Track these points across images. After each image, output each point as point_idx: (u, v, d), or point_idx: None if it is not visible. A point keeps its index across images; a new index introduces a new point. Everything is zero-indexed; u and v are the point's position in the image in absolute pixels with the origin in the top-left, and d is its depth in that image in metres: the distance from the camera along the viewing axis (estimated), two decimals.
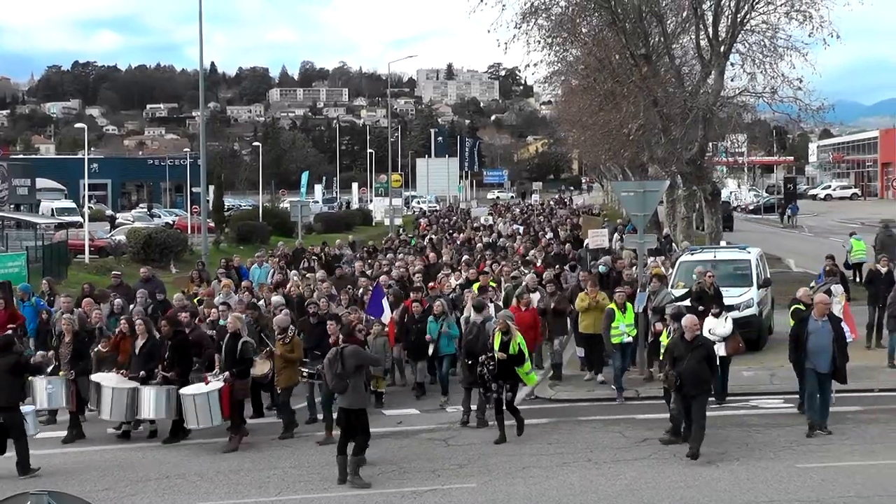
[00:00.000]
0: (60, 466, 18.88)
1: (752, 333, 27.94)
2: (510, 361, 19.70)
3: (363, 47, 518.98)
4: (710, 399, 19.49)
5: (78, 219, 71.54)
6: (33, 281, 37.88)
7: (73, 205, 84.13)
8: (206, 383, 19.97)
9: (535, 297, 25.34)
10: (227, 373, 20.04)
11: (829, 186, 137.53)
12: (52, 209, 78.75)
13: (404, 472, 17.52)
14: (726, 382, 22.19)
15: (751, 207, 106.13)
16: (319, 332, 21.92)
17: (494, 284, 28.80)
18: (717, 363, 19.55)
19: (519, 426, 19.86)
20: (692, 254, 31.87)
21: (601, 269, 30.93)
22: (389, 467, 17.76)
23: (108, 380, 20.83)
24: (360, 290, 27.89)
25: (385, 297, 25.32)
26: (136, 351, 21.22)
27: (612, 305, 23.61)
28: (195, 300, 27.11)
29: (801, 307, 21.20)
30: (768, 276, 31.10)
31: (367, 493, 16.49)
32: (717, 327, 21.93)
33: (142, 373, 20.66)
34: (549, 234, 51.90)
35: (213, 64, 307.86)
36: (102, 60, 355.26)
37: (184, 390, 19.96)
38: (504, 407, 19.79)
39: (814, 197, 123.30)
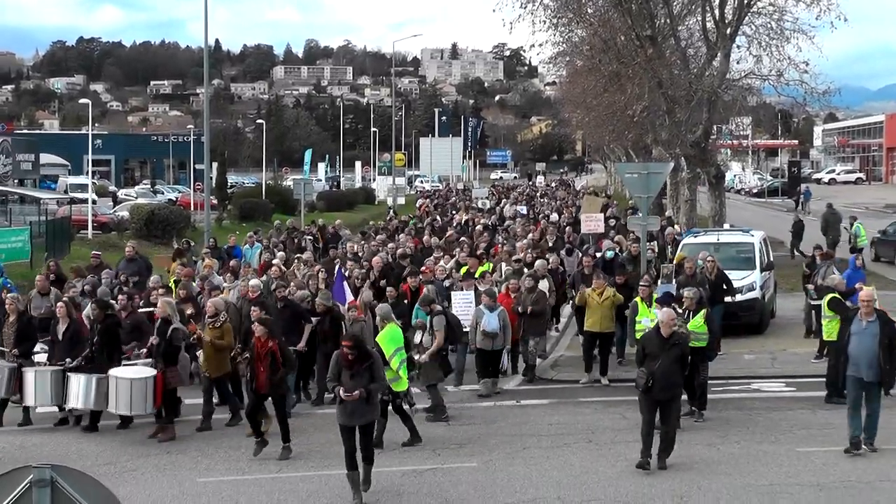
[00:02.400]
0: (62, 441, 18.90)
1: (755, 317, 27.99)
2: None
3: (366, 26, 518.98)
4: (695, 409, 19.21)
5: (92, 195, 71.64)
6: (36, 256, 37.95)
7: (88, 181, 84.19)
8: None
9: (544, 284, 24.57)
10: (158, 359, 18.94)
11: (834, 171, 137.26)
12: (67, 185, 78.89)
13: (405, 450, 17.53)
14: (705, 387, 19.72)
15: (755, 191, 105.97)
16: (287, 318, 21.14)
17: (488, 268, 27.33)
18: (689, 363, 17.42)
19: (411, 435, 18.12)
20: (695, 236, 31.88)
21: (608, 254, 28.74)
22: (390, 446, 17.75)
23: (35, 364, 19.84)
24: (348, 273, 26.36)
25: (344, 281, 24.36)
26: (59, 336, 19.98)
27: (637, 299, 21.69)
28: (172, 281, 25.94)
29: (838, 297, 20.29)
30: (771, 259, 31.08)
31: None
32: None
33: (68, 360, 19.34)
34: (553, 217, 51.39)
35: (217, 41, 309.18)
36: (107, 37, 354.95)
37: (114, 372, 18.78)
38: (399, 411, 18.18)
39: (818, 181, 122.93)
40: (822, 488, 15.10)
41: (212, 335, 19.55)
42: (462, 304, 22.91)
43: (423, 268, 27.07)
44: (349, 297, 23.53)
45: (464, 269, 26.69)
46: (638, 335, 20.42)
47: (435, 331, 20.34)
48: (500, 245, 34.47)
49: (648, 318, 20.81)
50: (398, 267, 27.73)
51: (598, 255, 30.20)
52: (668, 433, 16.25)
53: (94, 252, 31.75)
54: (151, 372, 18.76)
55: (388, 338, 17.99)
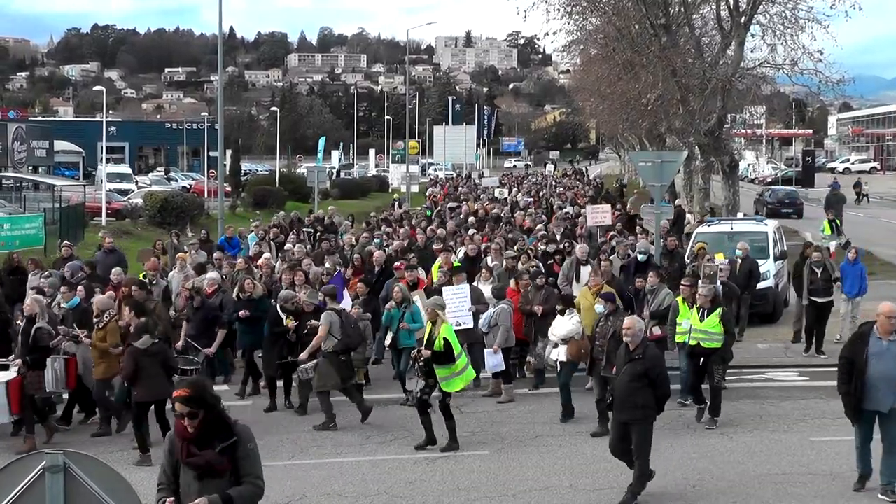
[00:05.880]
0: (74, 428, 18.92)
1: (768, 306, 27.98)
2: (434, 358, 17.00)
3: (380, 14, 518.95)
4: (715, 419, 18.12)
5: (131, 186, 71.56)
6: (50, 242, 38.00)
7: (129, 170, 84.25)
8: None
9: (587, 270, 23.23)
10: (19, 361, 17.72)
11: (848, 160, 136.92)
12: (104, 173, 79.16)
13: (417, 438, 17.49)
14: (719, 393, 18.45)
15: (769, 180, 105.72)
16: (200, 320, 20.47)
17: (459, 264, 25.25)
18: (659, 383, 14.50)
19: (450, 436, 17.17)
20: (709, 225, 31.88)
21: (639, 256, 25.56)
22: (402, 433, 17.79)
23: None
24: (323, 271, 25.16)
25: (345, 288, 23.06)
26: None
27: (679, 299, 19.70)
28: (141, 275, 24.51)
29: None
30: (785, 248, 31.04)
31: (380, 458, 16.54)
32: (557, 327, 19.42)
33: None
34: (567, 209, 49.98)
35: (231, 28, 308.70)
36: (121, 23, 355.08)
37: None
38: (428, 409, 17.15)
39: (832, 170, 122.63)
40: (835, 477, 15.09)
41: (96, 336, 18.45)
42: (455, 299, 21.42)
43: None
44: (346, 301, 22.01)
45: (436, 266, 25.26)
46: (679, 339, 19.44)
47: (321, 325, 19.09)
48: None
49: (689, 320, 19.08)
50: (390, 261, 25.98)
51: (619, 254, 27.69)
52: (637, 463, 14.26)
53: (65, 242, 30.50)
54: (2, 377, 17.37)
55: (452, 332, 17.31)
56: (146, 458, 16.36)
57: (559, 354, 19.16)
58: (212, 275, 23.01)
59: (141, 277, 23.81)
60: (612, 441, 14.59)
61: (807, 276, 24.46)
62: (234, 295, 22.10)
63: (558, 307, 19.72)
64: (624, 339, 14.49)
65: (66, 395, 19.17)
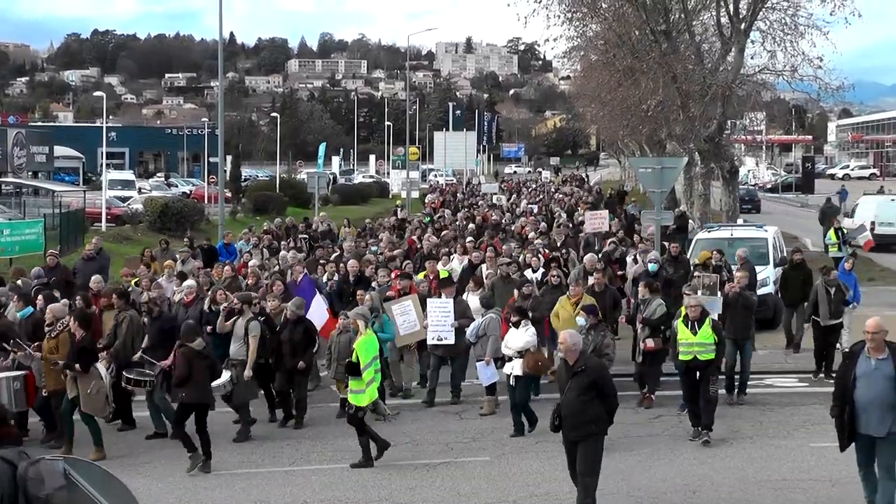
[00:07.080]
0: (75, 433, 18.90)
1: (768, 312, 27.93)
2: (347, 369, 16.86)
3: (381, 19, 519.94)
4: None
5: (133, 193, 71.67)
6: (50, 248, 38.01)
7: (132, 177, 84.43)
8: None
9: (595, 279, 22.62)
10: None
11: (848, 166, 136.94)
12: (107, 180, 79.38)
13: (417, 444, 17.54)
14: (713, 405, 17.67)
15: (768, 186, 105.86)
16: (156, 331, 19.38)
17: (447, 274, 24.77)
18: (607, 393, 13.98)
19: (363, 451, 16.67)
20: (709, 231, 31.89)
21: (650, 266, 24.67)
22: (402, 439, 17.77)
23: None
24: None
25: (317, 294, 22.51)
26: None
27: (683, 310, 18.40)
28: (133, 281, 24.38)
29: None
30: (785, 254, 31.03)
31: (381, 464, 16.53)
32: (512, 339, 18.48)
33: None
34: (563, 217, 49.01)
35: (231, 34, 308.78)
36: (122, 29, 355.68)
37: None
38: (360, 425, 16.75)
39: (832, 177, 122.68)
40: (834, 483, 15.10)
41: (47, 346, 17.79)
42: (438, 313, 21.03)
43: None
44: (318, 305, 21.79)
45: (421, 275, 24.77)
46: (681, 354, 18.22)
47: (251, 336, 19.00)
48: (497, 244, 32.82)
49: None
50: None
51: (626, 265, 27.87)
52: (582, 482, 13.45)
53: (50, 251, 29.89)
54: None
55: (366, 346, 16.82)
56: (197, 456, 16.44)
57: (514, 368, 18.14)
58: (188, 283, 22.55)
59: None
60: (570, 465, 13.85)
61: (823, 296, 23.20)
62: (206, 306, 21.27)
63: (512, 318, 18.69)
64: (560, 354, 13.88)
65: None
